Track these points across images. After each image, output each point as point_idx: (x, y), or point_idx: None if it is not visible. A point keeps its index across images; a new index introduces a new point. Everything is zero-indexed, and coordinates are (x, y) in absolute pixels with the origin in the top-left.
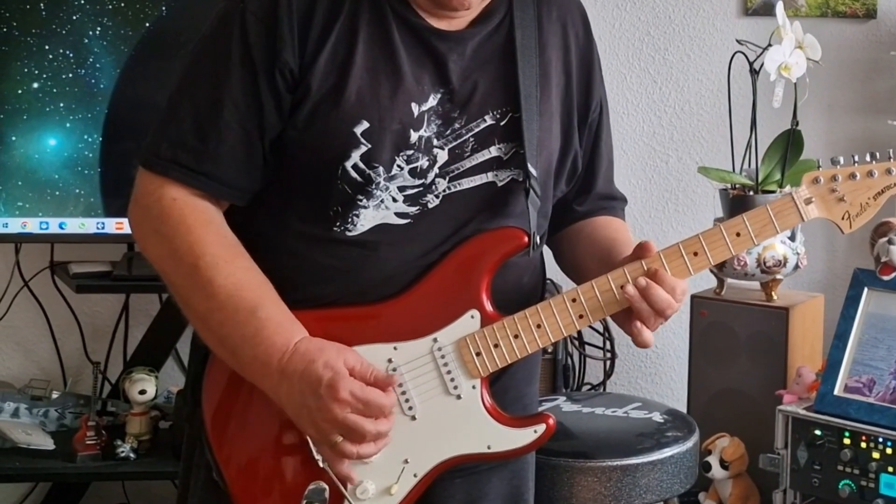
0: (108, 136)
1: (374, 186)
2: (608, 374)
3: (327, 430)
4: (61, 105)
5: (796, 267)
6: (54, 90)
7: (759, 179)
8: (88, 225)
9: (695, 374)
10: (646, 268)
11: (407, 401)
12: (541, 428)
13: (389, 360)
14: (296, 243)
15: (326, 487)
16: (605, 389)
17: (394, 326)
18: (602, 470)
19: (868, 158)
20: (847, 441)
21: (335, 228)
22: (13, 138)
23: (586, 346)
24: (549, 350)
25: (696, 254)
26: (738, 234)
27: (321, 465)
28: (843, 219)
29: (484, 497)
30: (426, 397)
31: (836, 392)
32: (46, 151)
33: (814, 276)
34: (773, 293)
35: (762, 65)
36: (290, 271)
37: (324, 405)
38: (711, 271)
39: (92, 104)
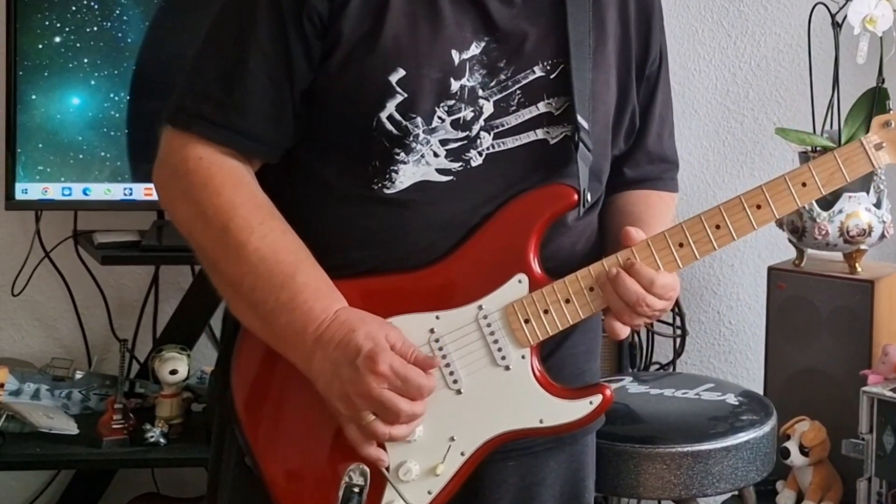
0: (137, 95)
1: (412, 139)
2: (678, 352)
3: (359, 404)
4: (85, 61)
5: (882, 236)
6: (78, 44)
7: (842, 141)
8: (115, 191)
9: (772, 353)
10: (621, 260)
11: (451, 373)
12: (597, 399)
13: (432, 331)
14: (333, 204)
15: (367, 469)
16: (674, 369)
17: (435, 294)
18: (671, 456)
19: None
20: None
21: (374, 186)
22: (33, 97)
23: (655, 323)
24: None
25: (717, 227)
26: (759, 207)
27: None
28: None
29: (541, 482)
30: (472, 369)
31: None
32: (69, 111)
33: None
34: (856, 265)
35: (845, 17)
36: (326, 235)
37: (359, 377)
38: (790, 241)
39: (119, 60)
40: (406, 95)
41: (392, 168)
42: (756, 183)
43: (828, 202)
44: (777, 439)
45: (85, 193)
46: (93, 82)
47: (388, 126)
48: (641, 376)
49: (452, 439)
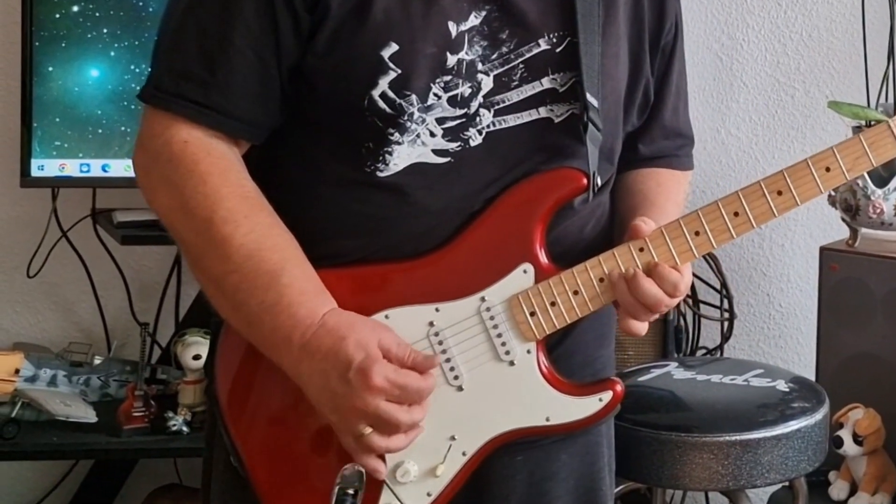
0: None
1: (406, 118)
2: (726, 336)
3: (353, 419)
4: (105, 31)
5: None
6: (97, 14)
7: None
8: None
9: (824, 337)
10: (634, 251)
11: (452, 369)
12: (606, 396)
13: (431, 324)
14: (323, 188)
15: (362, 470)
16: (722, 354)
17: (435, 284)
18: (718, 445)
19: None
20: None
21: (366, 168)
22: (50, 69)
23: (701, 306)
24: None
25: (736, 213)
26: (778, 193)
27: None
28: None
29: (552, 476)
30: (474, 365)
31: None
32: (87, 84)
33: None
34: None
35: None
36: (316, 222)
37: (353, 392)
38: (843, 220)
39: (139, 29)
40: (400, 71)
41: (386, 149)
42: None
43: (883, 178)
44: (829, 428)
45: (104, 170)
46: (112, 53)
47: (382, 104)
48: (687, 362)
49: (453, 438)
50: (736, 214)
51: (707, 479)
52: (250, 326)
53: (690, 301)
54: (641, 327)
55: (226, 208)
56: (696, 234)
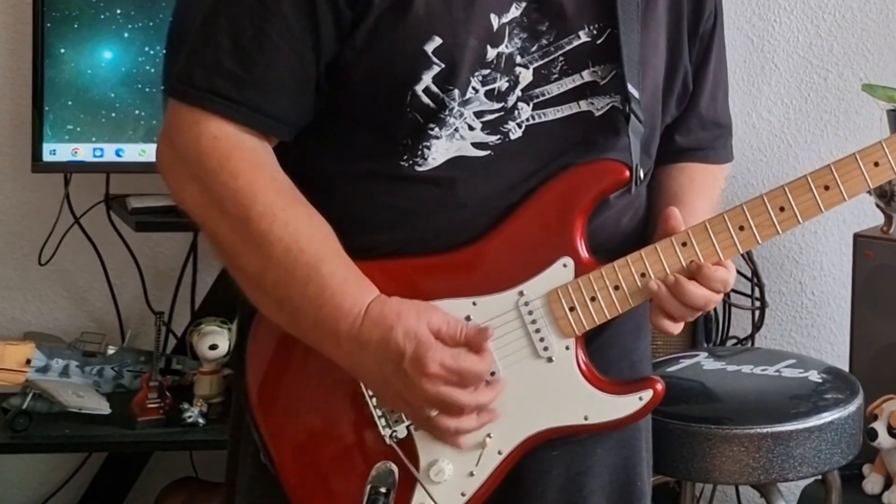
0: (174, 48)
1: (447, 112)
2: (757, 326)
3: (418, 406)
4: (118, 11)
5: None
6: None
7: None
8: (150, 152)
9: (858, 327)
10: (677, 245)
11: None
12: (647, 395)
13: (468, 318)
14: (359, 183)
15: (395, 469)
16: (753, 344)
17: (472, 278)
18: (749, 438)
19: None
20: None
21: (402, 163)
22: (62, 51)
23: (731, 294)
24: None
25: (782, 209)
26: (826, 188)
27: (388, 441)
28: None
29: (587, 471)
30: (511, 361)
31: None
32: (101, 66)
33: None
34: None
35: None
36: (352, 216)
37: (410, 382)
38: (878, 206)
39: (153, 10)
40: (444, 66)
41: (424, 144)
42: (840, 143)
43: None
44: (864, 419)
45: (118, 154)
46: (126, 34)
47: (425, 99)
48: (717, 352)
49: (489, 436)
50: (782, 209)
51: (738, 472)
52: (294, 321)
53: None
54: (676, 327)
55: (261, 203)
56: (741, 228)
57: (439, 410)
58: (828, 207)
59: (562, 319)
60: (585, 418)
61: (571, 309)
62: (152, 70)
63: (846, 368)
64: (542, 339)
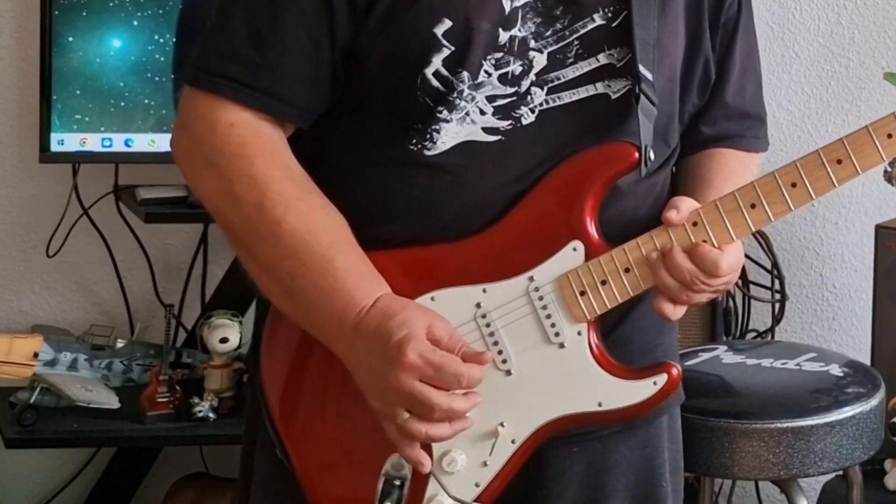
0: (184, 36)
1: (456, 95)
2: (777, 319)
3: (392, 401)
4: None
5: None
6: None
7: None
8: (160, 142)
9: (880, 320)
10: (683, 221)
11: (500, 353)
12: (661, 379)
13: (478, 305)
14: (370, 170)
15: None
16: (773, 337)
17: (482, 265)
18: (769, 433)
19: None
20: None
21: (412, 146)
22: (70, 39)
23: (751, 287)
24: None
25: (794, 185)
26: (838, 162)
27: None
28: None
29: (610, 469)
30: (522, 347)
31: None
32: (109, 55)
33: None
34: None
35: None
36: (363, 205)
37: (389, 369)
38: None
39: None
40: (454, 48)
41: (433, 127)
42: None
43: None
44: (886, 414)
45: (127, 145)
46: (135, 23)
47: (435, 83)
48: (737, 345)
49: (502, 425)
50: (794, 185)
51: (757, 467)
52: (304, 312)
53: (740, 282)
54: (674, 311)
55: (276, 191)
56: (752, 206)
57: (410, 409)
58: (841, 182)
59: (573, 304)
60: (599, 404)
61: (582, 293)
62: (162, 59)
63: (868, 362)
64: (553, 325)
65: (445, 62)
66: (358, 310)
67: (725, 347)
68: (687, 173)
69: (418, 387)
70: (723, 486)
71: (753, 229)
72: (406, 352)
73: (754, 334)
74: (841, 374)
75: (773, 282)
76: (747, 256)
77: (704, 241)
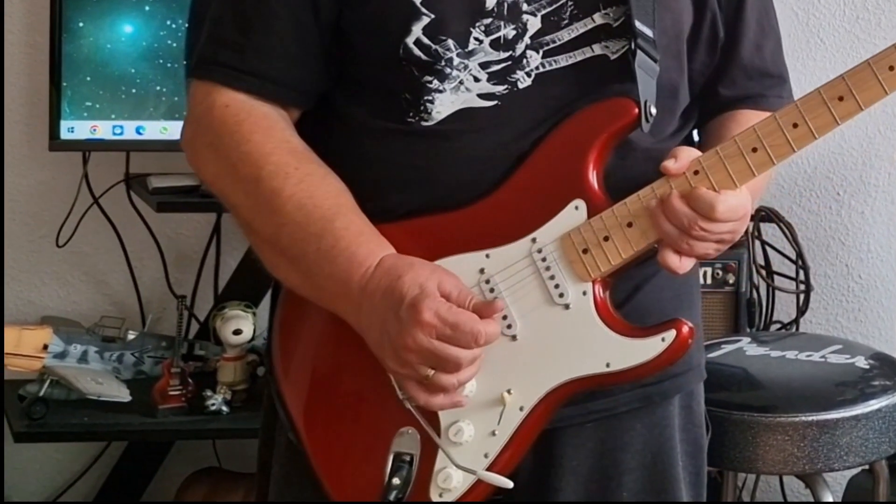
0: (196, 22)
1: (444, 64)
2: (802, 310)
3: (412, 361)
4: None
5: None
6: None
7: None
8: (172, 129)
9: None
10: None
11: (505, 317)
12: (670, 335)
13: (482, 271)
14: (368, 145)
15: (418, 434)
16: (797, 329)
17: (484, 230)
18: (794, 426)
19: None
20: None
21: (410, 119)
22: (80, 24)
23: (775, 277)
24: (731, 281)
25: (795, 125)
26: (840, 99)
27: (407, 406)
28: None
29: (624, 447)
30: (527, 311)
31: None
32: (121, 40)
33: None
34: None
35: None
36: (365, 179)
37: (405, 330)
38: None
39: None
40: (434, 16)
41: (426, 98)
42: (889, 120)
43: None
44: None
45: (138, 132)
46: (147, 8)
47: (417, 52)
48: (761, 337)
49: (509, 392)
50: (795, 126)
51: (782, 462)
52: (308, 279)
53: (764, 272)
54: (679, 263)
55: (272, 163)
56: (754, 150)
57: (435, 367)
58: (843, 118)
59: (576, 263)
60: (607, 365)
61: (585, 251)
62: (174, 44)
63: (894, 354)
64: (556, 286)
65: (426, 30)
66: (363, 270)
67: (749, 339)
68: (708, 136)
69: (437, 344)
70: (746, 481)
71: (756, 173)
72: (422, 310)
73: (778, 326)
74: (867, 367)
75: (797, 272)
76: (771, 246)
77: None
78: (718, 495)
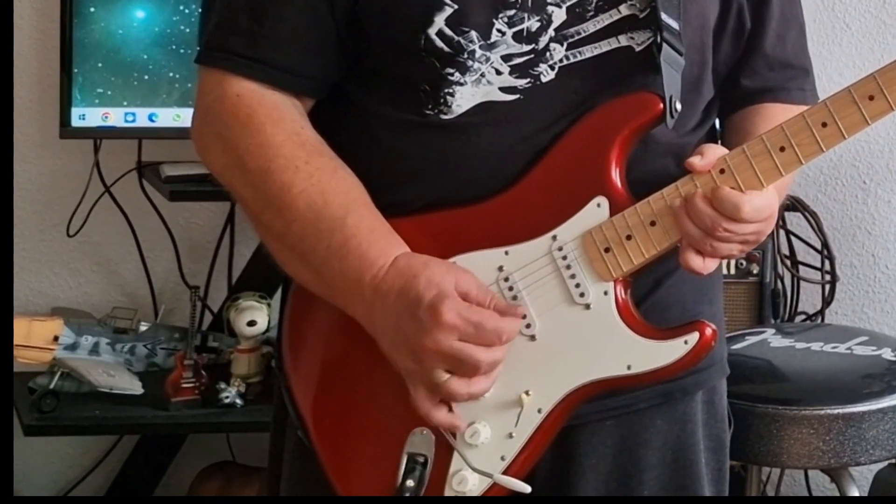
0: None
1: (467, 56)
2: (827, 301)
3: (430, 363)
4: None
5: None
6: None
7: None
8: (185, 117)
9: None
10: (710, 167)
11: (524, 317)
12: (693, 338)
13: (500, 268)
14: (384, 137)
15: (432, 435)
16: (823, 320)
17: (503, 227)
18: (819, 419)
19: None
20: None
21: (428, 111)
22: (91, 10)
23: (800, 267)
24: (755, 272)
25: (824, 124)
26: (870, 99)
27: None
28: None
29: (645, 443)
30: (547, 310)
31: None
32: (133, 26)
33: None
34: None
35: None
36: (380, 171)
37: (424, 331)
38: None
39: None
40: (456, 6)
41: (446, 91)
42: None
43: None
44: None
45: (151, 120)
46: None
47: (439, 43)
48: (785, 328)
49: (527, 394)
50: (824, 125)
51: (807, 455)
52: (318, 276)
53: (789, 262)
54: (702, 264)
55: (283, 156)
56: (781, 149)
57: (452, 370)
58: (874, 118)
59: (597, 262)
60: (628, 367)
61: (607, 250)
62: (187, 30)
63: None
64: (577, 285)
65: (448, 21)
66: (375, 270)
67: (774, 331)
68: (732, 131)
69: (458, 346)
70: (771, 475)
71: (784, 173)
72: (442, 311)
73: (803, 317)
74: (893, 359)
75: (822, 262)
76: (796, 236)
77: (732, 189)
78: (742, 490)
